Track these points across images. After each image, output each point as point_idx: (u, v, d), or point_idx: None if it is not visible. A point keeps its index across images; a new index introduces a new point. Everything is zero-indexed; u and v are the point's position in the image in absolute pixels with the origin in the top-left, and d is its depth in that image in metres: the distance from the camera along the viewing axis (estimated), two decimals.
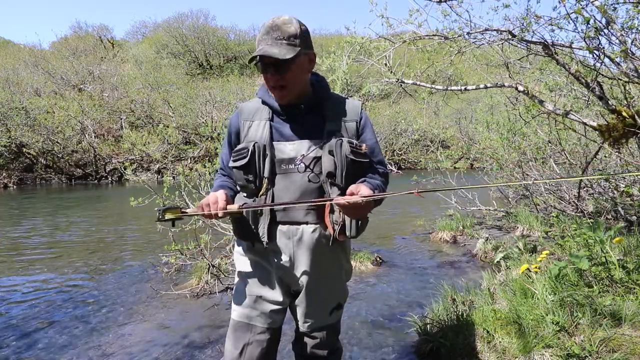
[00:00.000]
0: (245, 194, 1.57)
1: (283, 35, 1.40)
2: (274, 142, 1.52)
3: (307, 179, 1.49)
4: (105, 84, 22.09)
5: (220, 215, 1.39)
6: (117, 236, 6.52)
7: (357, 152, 1.48)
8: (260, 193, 1.50)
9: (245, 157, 1.49)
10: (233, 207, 1.42)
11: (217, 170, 1.76)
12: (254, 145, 1.49)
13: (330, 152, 1.48)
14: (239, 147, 1.53)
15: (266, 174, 1.49)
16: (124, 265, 4.83)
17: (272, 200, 1.50)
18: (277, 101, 1.52)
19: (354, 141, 1.50)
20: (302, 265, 1.53)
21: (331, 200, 1.40)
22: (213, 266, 3.91)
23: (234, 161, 1.52)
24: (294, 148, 1.51)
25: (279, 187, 1.50)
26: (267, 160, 1.49)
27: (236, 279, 1.66)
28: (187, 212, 1.44)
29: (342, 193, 1.44)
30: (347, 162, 1.46)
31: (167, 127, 18.22)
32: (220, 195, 1.43)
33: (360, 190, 1.33)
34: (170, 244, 3.86)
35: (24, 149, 16.60)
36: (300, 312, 1.61)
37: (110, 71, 23.64)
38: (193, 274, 4.02)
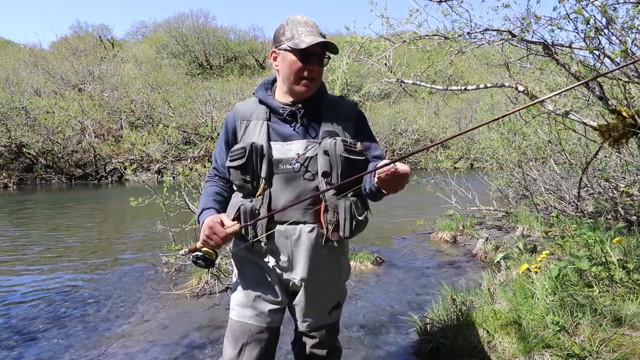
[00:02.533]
0: (242, 195, 1.56)
1: (321, 32, 1.47)
2: (271, 142, 1.52)
3: (303, 179, 1.49)
4: (105, 84, 22.10)
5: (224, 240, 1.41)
6: (117, 236, 6.53)
7: (351, 150, 1.48)
8: (258, 193, 1.50)
9: (242, 157, 1.48)
10: (234, 228, 1.42)
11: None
12: (251, 146, 1.48)
13: (325, 152, 1.48)
14: (235, 147, 1.53)
15: (263, 174, 1.48)
16: (124, 265, 4.83)
17: (270, 200, 1.49)
18: (305, 93, 1.52)
19: (349, 139, 1.50)
20: (301, 264, 1.53)
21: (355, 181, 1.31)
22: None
23: (231, 161, 1.52)
24: (290, 148, 1.51)
25: (276, 187, 1.50)
26: (265, 160, 1.49)
27: (234, 279, 1.65)
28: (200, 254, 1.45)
29: (337, 192, 1.48)
30: (341, 161, 1.46)
31: (167, 127, 18.21)
32: (215, 224, 1.40)
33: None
34: (170, 244, 3.86)
35: (24, 149, 16.60)
36: (299, 311, 1.61)
37: (110, 71, 23.68)
38: (193, 274, 4.02)
